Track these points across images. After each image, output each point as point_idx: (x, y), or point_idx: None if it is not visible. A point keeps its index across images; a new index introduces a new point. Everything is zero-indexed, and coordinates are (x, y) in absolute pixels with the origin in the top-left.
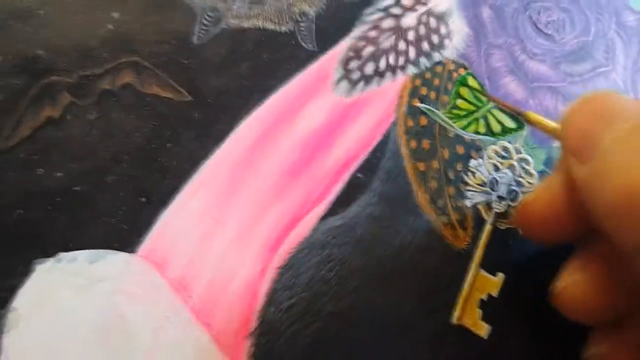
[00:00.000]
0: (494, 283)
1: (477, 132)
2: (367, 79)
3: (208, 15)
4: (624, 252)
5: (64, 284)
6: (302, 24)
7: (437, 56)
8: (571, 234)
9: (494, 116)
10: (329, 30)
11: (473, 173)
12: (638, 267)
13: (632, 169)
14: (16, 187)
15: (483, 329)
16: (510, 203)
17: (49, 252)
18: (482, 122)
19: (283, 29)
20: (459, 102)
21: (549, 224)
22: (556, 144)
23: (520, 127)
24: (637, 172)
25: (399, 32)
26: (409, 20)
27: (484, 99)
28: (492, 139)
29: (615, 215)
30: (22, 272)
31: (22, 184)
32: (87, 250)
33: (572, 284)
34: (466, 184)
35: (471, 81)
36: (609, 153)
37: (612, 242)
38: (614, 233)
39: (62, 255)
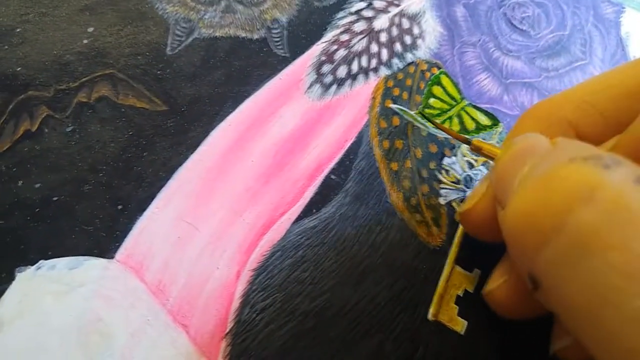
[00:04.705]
0: (470, 279)
1: None
2: (339, 82)
3: (181, 27)
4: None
5: (45, 290)
6: (274, 31)
7: (409, 57)
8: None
9: (468, 114)
10: (301, 35)
11: (447, 171)
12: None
13: (514, 209)
14: None
15: (460, 325)
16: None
17: (29, 260)
18: (455, 120)
19: (255, 36)
20: (432, 101)
21: (487, 230)
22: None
23: (495, 123)
24: (517, 211)
25: (371, 34)
26: (381, 22)
27: (457, 97)
28: (465, 136)
29: (508, 247)
30: (4, 280)
31: (2, 196)
32: (66, 258)
33: (501, 285)
34: (440, 182)
35: (444, 80)
36: (514, 194)
37: None
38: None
39: (43, 262)
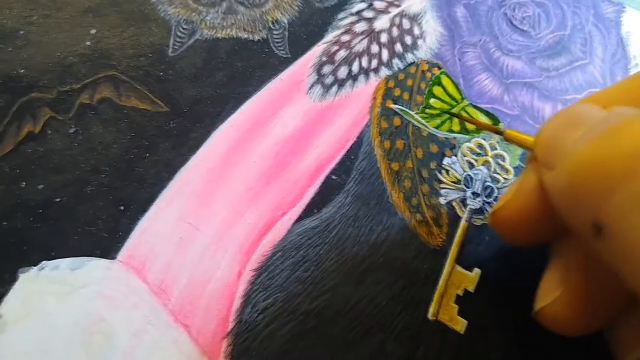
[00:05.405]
0: (470, 278)
1: (451, 131)
2: (340, 83)
3: (183, 28)
4: (583, 240)
5: (48, 291)
6: (275, 32)
7: (410, 57)
8: (542, 238)
9: (468, 114)
10: (303, 36)
11: (447, 171)
12: (597, 252)
13: (580, 157)
14: (1, 200)
15: (460, 324)
16: (486, 199)
17: (33, 261)
18: (456, 120)
19: (256, 37)
20: (433, 101)
21: (520, 230)
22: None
23: (495, 124)
24: (583, 159)
25: (372, 35)
26: (382, 23)
27: (458, 97)
28: (466, 136)
29: (564, 201)
30: (7, 281)
31: (6, 197)
32: (69, 259)
33: (553, 303)
34: (440, 182)
35: (445, 80)
36: (569, 154)
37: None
38: (567, 221)
39: (46, 263)
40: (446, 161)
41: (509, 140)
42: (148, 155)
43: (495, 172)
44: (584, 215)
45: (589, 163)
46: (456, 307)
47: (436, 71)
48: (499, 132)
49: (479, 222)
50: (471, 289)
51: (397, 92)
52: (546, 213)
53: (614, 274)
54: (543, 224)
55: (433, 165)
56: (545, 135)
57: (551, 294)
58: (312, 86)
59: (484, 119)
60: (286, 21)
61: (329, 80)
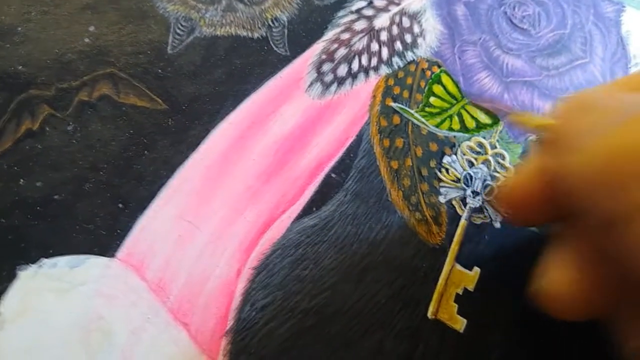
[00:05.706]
0: (469, 277)
1: (451, 129)
2: (340, 81)
3: (181, 25)
4: (601, 227)
5: (46, 288)
6: (274, 30)
7: (410, 55)
8: (541, 218)
9: (468, 112)
10: (302, 34)
11: (447, 169)
12: (616, 240)
13: (605, 140)
14: None
15: (459, 323)
16: (485, 198)
17: (31, 258)
18: (456, 118)
19: (255, 35)
20: (433, 99)
21: (519, 208)
22: (532, 137)
23: (495, 122)
24: (610, 142)
25: (372, 33)
26: (382, 21)
27: (458, 95)
28: (466, 135)
29: (584, 186)
30: (5, 278)
31: (4, 194)
32: (67, 256)
33: (555, 279)
34: (440, 180)
35: (445, 79)
36: (582, 139)
37: (589, 221)
38: (590, 208)
39: (44, 261)
40: (446, 159)
41: (514, 123)
42: (146, 152)
43: (495, 171)
44: (602, 203)
45: (619, 149)
46: (455, 306)
47: (436, 69)
48: (506, 112)
49: (478, 221)
50: (470, 287)
51: (397, 90)
52: (545, 194)
53: (620, 262)
54: (541, 204)
55: (432, 164)
56: (562, 119)
57: (551, 273)
58: (311, 84)
59: (483, 117)
60: (285, 19)
61: (328, 78)
